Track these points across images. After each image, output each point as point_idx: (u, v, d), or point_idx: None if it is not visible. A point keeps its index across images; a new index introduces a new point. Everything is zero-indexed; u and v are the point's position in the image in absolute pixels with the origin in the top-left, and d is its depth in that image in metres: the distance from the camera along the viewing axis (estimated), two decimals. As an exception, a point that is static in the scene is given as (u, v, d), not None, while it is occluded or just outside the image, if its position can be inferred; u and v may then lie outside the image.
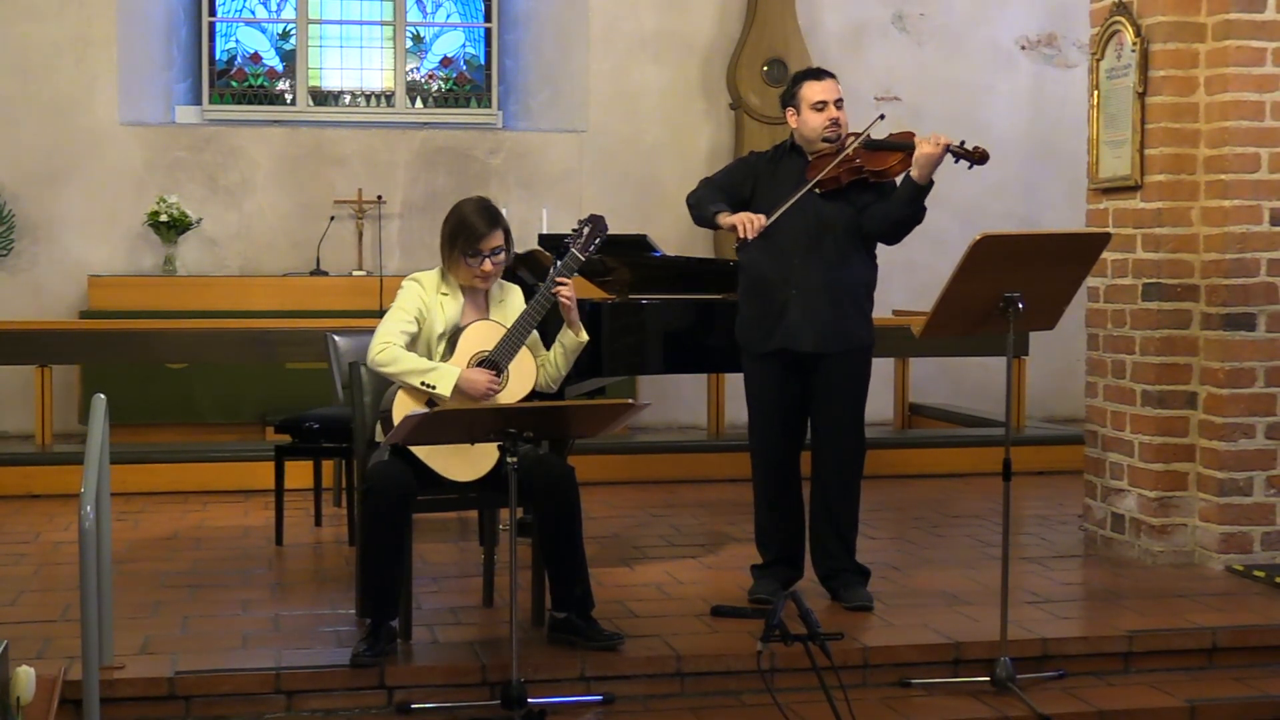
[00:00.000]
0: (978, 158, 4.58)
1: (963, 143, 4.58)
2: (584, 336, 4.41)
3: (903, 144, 4.65)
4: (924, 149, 4.53)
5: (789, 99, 4.80)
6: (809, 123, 4.73)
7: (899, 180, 4.68)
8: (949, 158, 4.57)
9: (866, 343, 4.79)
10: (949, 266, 4.23)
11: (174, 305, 8.46)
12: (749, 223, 4.56)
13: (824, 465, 4.81)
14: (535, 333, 4.41)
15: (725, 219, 4.66)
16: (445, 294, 4.38)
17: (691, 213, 4.85)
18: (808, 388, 4.77)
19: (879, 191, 4.72)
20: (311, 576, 5.37)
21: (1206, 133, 5.35)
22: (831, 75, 4.81)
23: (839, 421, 4.78)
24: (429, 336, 4.35)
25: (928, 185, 4.59)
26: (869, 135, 4.68)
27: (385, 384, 4.42)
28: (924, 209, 4.66)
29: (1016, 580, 4.87)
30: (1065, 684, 4.33)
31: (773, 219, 4.58)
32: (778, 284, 4.71)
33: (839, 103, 4.73)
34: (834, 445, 4.79)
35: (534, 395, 4.40)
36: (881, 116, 4.81)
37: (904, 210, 4.64)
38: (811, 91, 4.73)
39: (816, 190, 4.63)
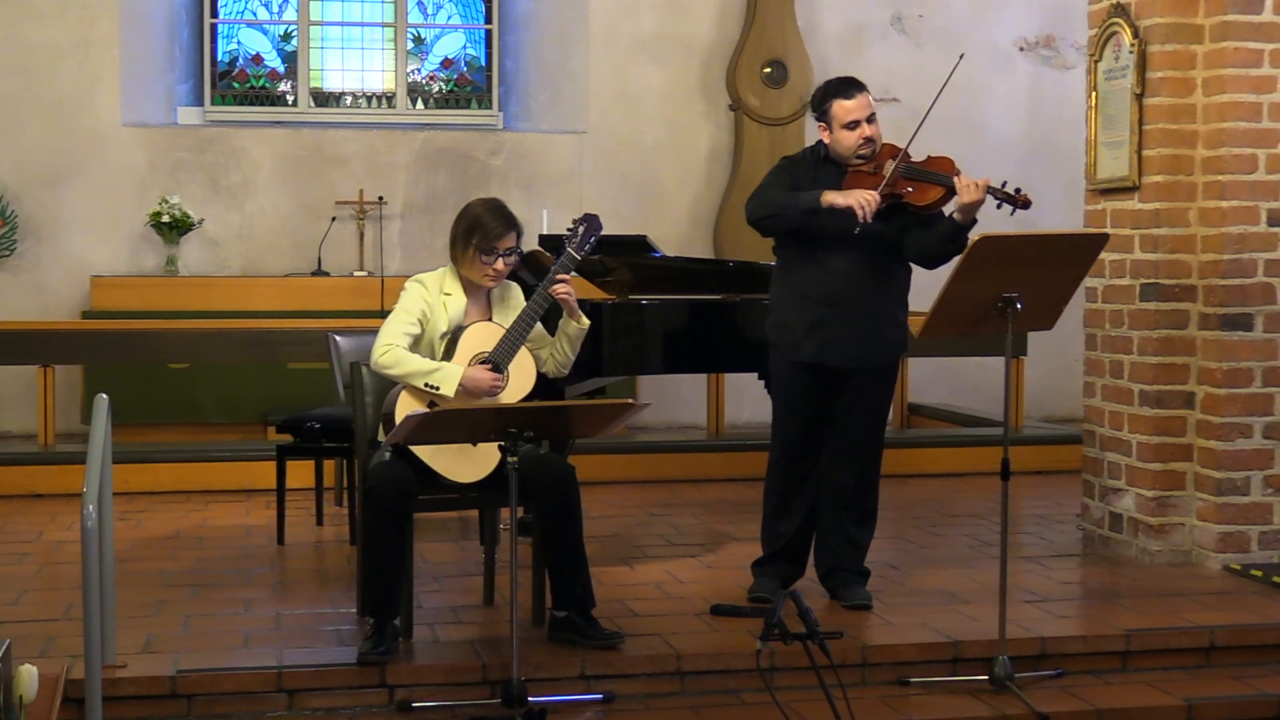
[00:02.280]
0: (1021, 203, 4.50)
1: (1004, 184, 4.51)
2: (585, 322, 4.44)
3: (943, 179, 4.55)
4: (967, 196, 4.45)
5: (820, 114, 4.68)
6: (842, 141, 4.64)
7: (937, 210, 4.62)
8: (991, 200, 4.50)
9: (899, 349, 4.78)
10: (948, 267, 4.25)
11: (176, 305, 8.48)
12: (867, 203, 4.42)
13: (843, 467, 4.80)
14: (540, 325, 4.44)
15: (836, 198, 4.47)
16: (448, 294, 4.40)
17: (769, 221, 4.62)
18: (834, 391, 4.75)
19: (916, 215, 4.64)
20: (313, 576, 5.39)
21: (1204, 134, 5.36)
22: (862, 88, 4.66)
23: (864, 428, 4.78)
24: (432, 337, 4.37)
25: (971, 224, 4.52)
26: (908, 155, 4.59)
27: (387, 384, 4.44)
28: (966, 241, 4.52)
29: (1015, 579, 4.89)
30: (1063, 683, 4.35)
31: (880, 193, 4.47)
32: (816, 297, 4.66)
33: (871, 118, 4.63)
34: (857, 449, 4.78)
35: (537, 392, 4.40)
36: (961, 56, 4.72)
37: (945, 246, 4.57)
38: (843, 111, 4.61)
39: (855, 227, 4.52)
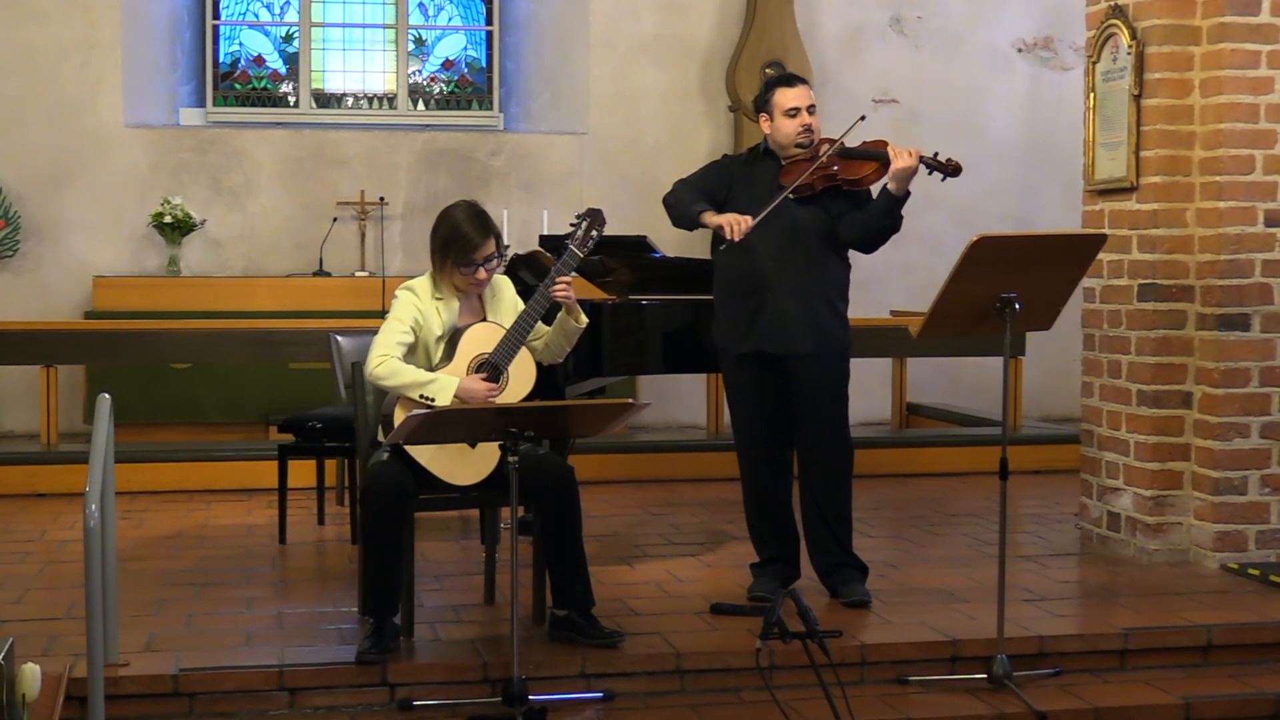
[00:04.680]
0: (950, 170, 4.59)
1: (936, 154, 4.61)
2: (583, 321, 4.45)
3: (877, 154, 4.66)
4: (899, 163, 4.56)
5: (762, 105, 4.82)
6: (782, 129, 4.75)
7: (873, 189, 4.72)
8: (923, 170, 4.59)
9: (842, 343, 4.82)
10: (946, 267, 4.27)
11: (178, 306, 8.50)
12: (736, 224, 4.57)
13: (811, 465, 4.84)
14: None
15: (711, 218, 4.67)
16: (440, 299, 4.40)
17: (670, 212, 4.86)
18: (789, 388, 4.80)
19: (852, 199, 4.74)
20: (314, 575, 5.41)
21: (1201, 135, 5.38)
22: (804, 81, 4.82)
23: (822, 421, 4.81)
24: (426, 343, 4.38)
25: (904, 196, 4.62)
26: (843, 143, 4.70)
27: (387, 384, 4.45)
28: (901, 218, 4.69)
29: (1013, 578, 4.90)
30: (1061, 681, 4.37)
31: (757, 221, 4.59)
32: (753, 287, 4.74)
33: (811, 109, 4.75)
34: (818, 445, 4.82)
35: (537, 392, 4.42)
36: (863, 118, 4.83)
37: (881, 221, 4.68)
38: (784, 98, 4.74)
39: (791, 196, 4.65)
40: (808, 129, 4.74)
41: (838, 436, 4.84)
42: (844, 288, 4.85)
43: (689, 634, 4.48)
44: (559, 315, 4.44)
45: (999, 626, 4.29)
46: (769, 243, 4.68)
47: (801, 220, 4.70)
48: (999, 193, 9.30)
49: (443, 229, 4.37)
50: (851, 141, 4.72)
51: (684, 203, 4.80)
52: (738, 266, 4.76)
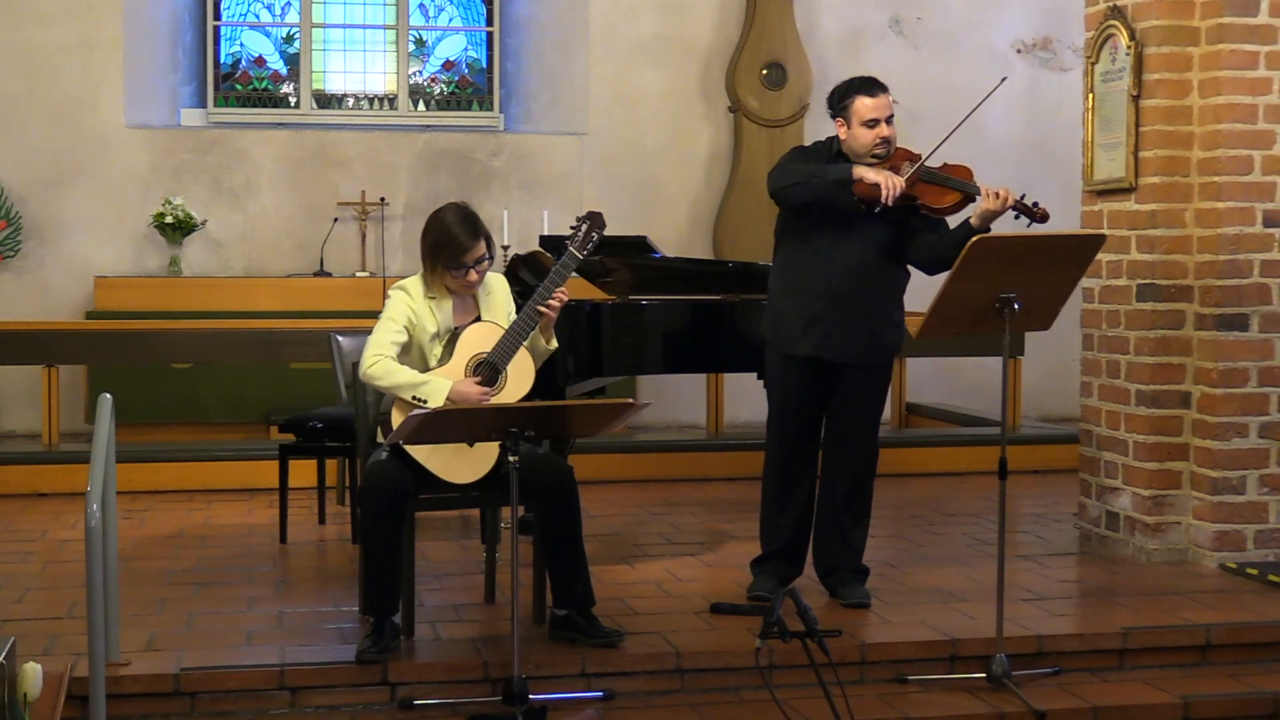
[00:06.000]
0: (1039, 216, 4.51)
1: (1023, 196, 4.52)
2: (553, 345, 4.45)
3: (964, 186, 4.56)
4: (989, 205, 4.46)
5: (839, 109, 4.69)
6: (859, 138, 4.65)
7: (948, 217, 4.66)
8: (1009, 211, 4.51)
9: (894, 350, 4.80)
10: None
11: (179, 306, 8.52)
12: (893, 186, 4.44)
13: (839, 466, 4.83)
14: None
15: (868, 173, 4.49)
16: (433, 298, 4.40)
17: (794, 188, 4.60)
18: (830, 390, 4.79)
19: (925, 218, 4.66)
20: (315, 574, 5.42)
21: (1200, 135, 5.39)
22: (884, 89, 4.68)
23: (858, 426, 4.80)
24: (421, 342, 4.37)
25: (985, 231, 4.51)
26: (924, 165, 4.58)
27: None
28: None
29: (1012, 578, 4.90)
30: (1060, 680, 4.37)
31: (906, 180, 4.47)
32: (815, 291, 4.68)
33: (890, 119, 4.65)
34: (851, 448, 4.81)
35: (535, 392, 4.42)
36: (1005, 79, 4.73)
37: (954, 251, 4.50)
38: (863, 108, 4.63)
39: (862, 206, 4.54)
40: (885, 141, 4.64)
41: (870, 439, 4.84)
42: (901, 296, 4.80)
43: (689, 633, 4.48)
44: (531, 336, 4.39)
45: (998, 626, 4.30)
46: (837, 249, 4.63)
47: (871, 230, 4.61)
48: (998, 193, 9.31)
49: (433, 231, 4.36)
50: (933, 162, 4.59)
51: (811, 171, 4.59)
52: (803, 268, 4.69)
